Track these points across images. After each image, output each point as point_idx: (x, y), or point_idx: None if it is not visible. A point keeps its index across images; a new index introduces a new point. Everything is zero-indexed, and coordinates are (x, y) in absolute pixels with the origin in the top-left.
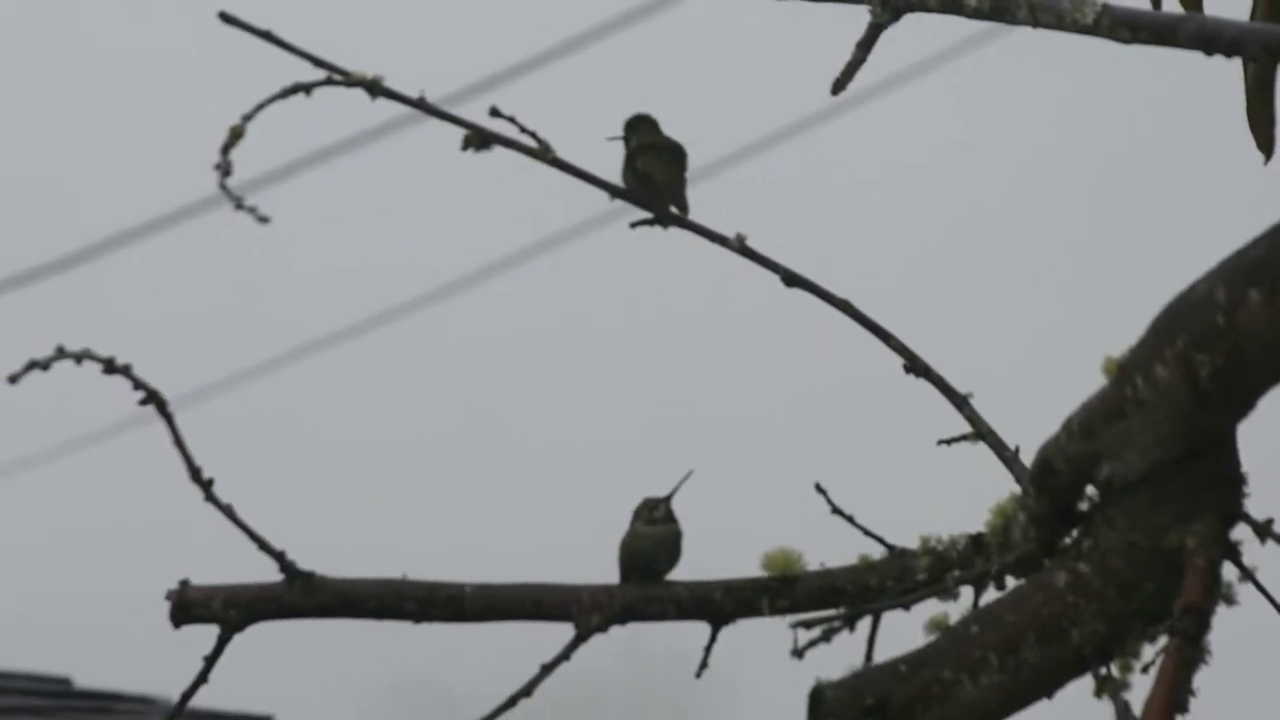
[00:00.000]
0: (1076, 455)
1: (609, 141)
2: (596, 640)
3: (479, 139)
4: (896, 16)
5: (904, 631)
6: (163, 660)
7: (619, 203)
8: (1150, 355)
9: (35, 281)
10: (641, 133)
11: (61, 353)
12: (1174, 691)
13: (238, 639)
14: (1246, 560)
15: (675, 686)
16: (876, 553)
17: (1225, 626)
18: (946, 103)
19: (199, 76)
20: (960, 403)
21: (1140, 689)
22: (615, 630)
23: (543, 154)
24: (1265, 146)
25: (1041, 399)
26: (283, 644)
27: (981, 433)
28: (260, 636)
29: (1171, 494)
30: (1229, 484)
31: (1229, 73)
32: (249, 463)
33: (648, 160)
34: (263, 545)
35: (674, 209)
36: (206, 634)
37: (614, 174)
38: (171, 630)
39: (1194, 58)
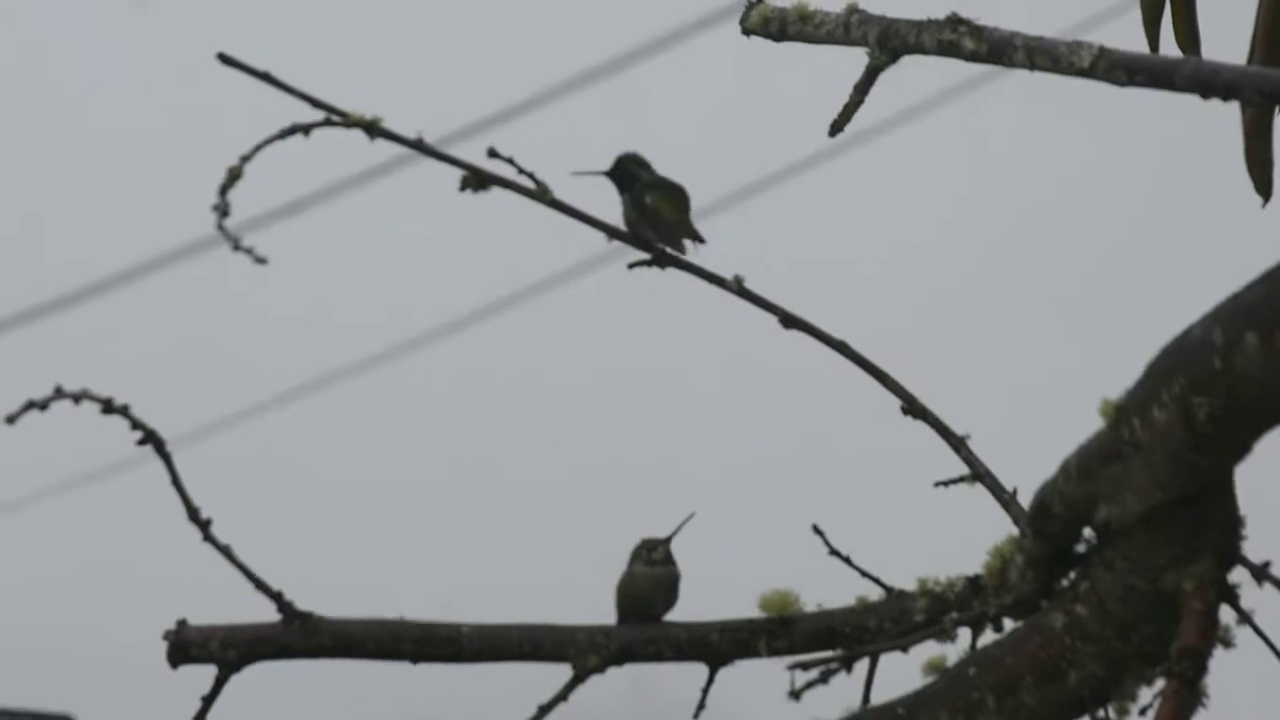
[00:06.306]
0: (1074, 497)
1: (575, 176)
2: (599, 681)
3: (477, 180)
4: (894, 59)
5: (901, 673)
6: (165, 699)
7: (614, 244)
8: (1147, 398)
9: (33, 321)
10: (646, 171)
11: (60, 393)
12: None
13: (242, 677)
14: (1244, 603)
15: None
16: (874, 594)
17: (1222, 669)
18: (945, 145)
19: (196, 120)
20: (958, 444)
21: None
22: (618, 672)
23: (541, 195)
24: (1263, 189)
25: (1039, 441)
26: (286, 683)
27: (979, 474)
28: (263, 675)
29: (1169, 536)
30: (1226, 527)
31: (1227, 116)
32: (246, 504)
33: (657, 198)
34: (260, 585)
35: (689, 243)
36: (210, 673)
37: (612, 215)
38: (170, 670)
39: (1193, 101)
